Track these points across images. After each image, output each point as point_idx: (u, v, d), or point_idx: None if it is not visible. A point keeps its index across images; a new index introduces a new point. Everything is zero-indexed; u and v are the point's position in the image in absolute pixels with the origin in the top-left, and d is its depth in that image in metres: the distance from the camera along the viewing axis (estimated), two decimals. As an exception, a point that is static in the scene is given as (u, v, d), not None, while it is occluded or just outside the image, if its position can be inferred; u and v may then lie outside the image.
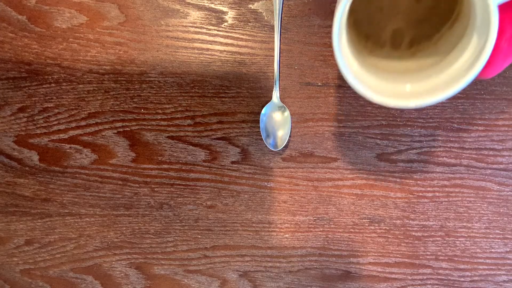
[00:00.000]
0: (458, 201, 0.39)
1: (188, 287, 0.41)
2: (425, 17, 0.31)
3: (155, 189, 0.40)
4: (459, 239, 0.40)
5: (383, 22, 0.32)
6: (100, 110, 0.39)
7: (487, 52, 0.24)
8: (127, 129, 0.39)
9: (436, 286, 0.40)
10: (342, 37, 0.25)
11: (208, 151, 0.39)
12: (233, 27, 0.38)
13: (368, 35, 0.32)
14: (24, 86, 0.39)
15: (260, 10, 0.38)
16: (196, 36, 0.38)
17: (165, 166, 0.39)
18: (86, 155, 0.40)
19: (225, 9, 0.38)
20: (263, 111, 0.38)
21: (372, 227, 0.40)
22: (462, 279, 0.40)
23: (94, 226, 0.40)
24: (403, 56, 0.31)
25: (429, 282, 0.40)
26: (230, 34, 0.38)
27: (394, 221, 0.40)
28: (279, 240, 0.40)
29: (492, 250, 0.40)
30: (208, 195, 0.40)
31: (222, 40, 0.38)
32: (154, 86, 0.39)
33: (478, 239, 0.40)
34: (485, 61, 0.25)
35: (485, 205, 0.39)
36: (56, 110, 0.39)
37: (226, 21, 0.38)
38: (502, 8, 0.25)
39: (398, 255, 0.40)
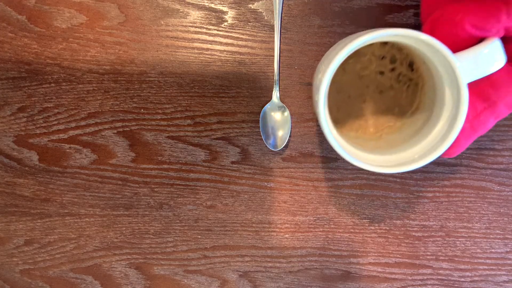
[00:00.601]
0: (458, 201, 0.39)
1: (188, 287, 0.41)
2: (388, 106, 0.35)
3: (155, 189, 0.40)
4: (459, 239, 0.40)
5: (350, 108, 0.35)
6: (100, 110, 0.39)
7: (458, 127, 0.28)
8: (127, 129, 0.39)
9: (437, 286, 0.40)
10: (326, 112, 0.28)
11: (208, 151, 0.39)
12: (233, 27, 0.38)
13: (337, 119, 0.35)
14: (24, 86, 0.39)
15: (260, 10, 0.38)
16: (196, 36, 0.38)
17: (165, 166, 0.39)
18: (85, 155, 0.40)
19: (225, 8, 0.38)
20: (263, 111, 0.38)
21: (372, 227, 0.40)
22: (462, 279, 0.40)
23: (94, 226, 0.40)
24: (371, 138, 0.34)
25: (429, 283, 0.40)
26: (230, 34, 0.38)
27: (394, 221, 0.40)
28: (279, 240, 0.40)
29: (493, 250, 0.40)
30: (208, 195, 0.40)
31: (222, 40, 0.38)
32: (154, 86, 0.39)
33: (478, 239, 0.40)
34: (454, 136, 0.28)
35: (485, 205, 0.39)
36: (56, 110, 0.39)
37: (226, 21, 0.38)
38: None
39: (398, 255, 0.40)
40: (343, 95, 0.35)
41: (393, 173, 0.39)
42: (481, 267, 0.40)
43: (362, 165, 0.29)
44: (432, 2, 0.33)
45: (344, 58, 0.28)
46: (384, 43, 0.34)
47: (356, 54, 0.34)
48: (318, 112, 0.29)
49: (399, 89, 0.34)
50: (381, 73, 0.34)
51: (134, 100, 0.39)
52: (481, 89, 0.32)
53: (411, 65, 0.34)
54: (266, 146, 0.39)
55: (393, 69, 0.34)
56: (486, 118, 0.32)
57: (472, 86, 0.31)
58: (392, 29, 0.27)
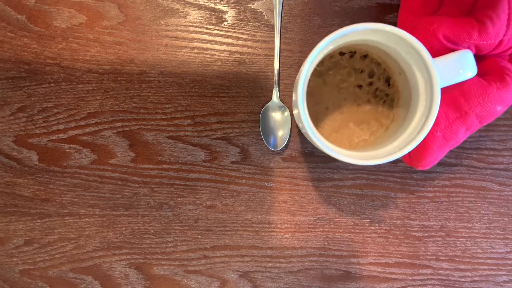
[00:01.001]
0: (459, 201, 0.39)
1: (188, 287, 0.41)
2: (364, 120, 0.36)
3: (155, 189, 0.40)
4: (460, 239, 0.40)
5: (327, 120, 0.36)
6: (100, 110, 0.39)
7: (432, 119, 0.29)
8: (127, 129, 0.39)
9: (437, 287, 0.40)
10: (306, 111, 0.30)
11: (208, 151, 0.39)
12: (233, 26, 0.38)
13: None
14: (24, 86, 0.39)
15: (260, 10, 0.38)
16: (196, 36, 0.38)
17: (165, 166, 0.39)
18: (85, 155, 0.40)
19: (225, 8, 0.38)
20: (263, 111, 0.38)
21: (373, 227, 0.40)
22: (462, 279, 0.40)
23: (94, 226, 0.40)
24: (344, 149, 0.35)
25: (429, 283, 0.40)
26: (230, 34, 0.38)
27: (394, 221, 0.40)
28: (279, 240, 0.40)
29: (493, 250, 0.40)
30: (208, 195, 0.40)
31: (222, 39, 0.38)
32: (154, 86, 0.39)
33: (478, 239, 0.40)
34: (424, 135, 0.29)
35: (485, 205, 0.39)
36: (56, 110, 0.39)
37: (226, 21, 0.38)
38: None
39: (398, 256, 0.40)
40: (321, 107, 0.35)
41: (393, 174, 0.39)
42: (481, 267, 0.40)
43: (335, 154, 0.30)
44: (408, 18, 0.35)
45: (324, 50, 0.28)
46: (364, 57, 0.35)
47: (337, 66, 0.35)
48: (297, 105, 0.29)
49: (375, 104, 0.35)
50: (359, 86, 0.35)
51: (134, 100, 0.39)
52: (453, 98, 0.33)
53: (387, 81, 0.35)
54: (266, 146, 0.39)
55: (370, 84, 0.35)
56: (457, 128, 0.33)
57: (445, 95, 0.32)
58: (373, 24, 0.28)
